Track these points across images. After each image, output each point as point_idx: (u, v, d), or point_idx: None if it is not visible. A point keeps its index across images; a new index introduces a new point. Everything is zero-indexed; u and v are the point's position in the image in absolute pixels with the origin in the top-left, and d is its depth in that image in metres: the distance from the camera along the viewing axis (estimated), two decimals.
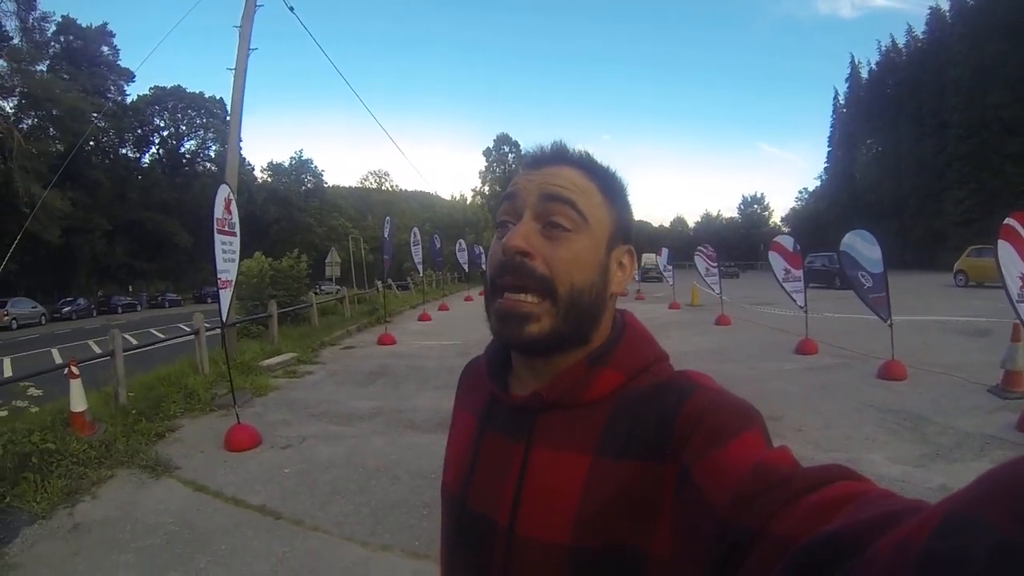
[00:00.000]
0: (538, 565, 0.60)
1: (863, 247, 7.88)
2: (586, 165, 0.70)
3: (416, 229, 19.20)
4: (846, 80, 63.24)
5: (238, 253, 6.54)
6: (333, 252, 24.46)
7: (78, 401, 5.55)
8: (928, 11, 51.58)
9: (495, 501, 0.66)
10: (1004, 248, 5.57)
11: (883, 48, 57.98)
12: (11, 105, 36.73)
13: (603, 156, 0.74)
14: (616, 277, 0.70)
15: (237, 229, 6.53)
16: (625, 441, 0.60)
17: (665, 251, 22.96)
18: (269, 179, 63.43)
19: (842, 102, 64.33)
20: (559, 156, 0.71)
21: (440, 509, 0.78)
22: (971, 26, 43.18)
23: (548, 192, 0.66)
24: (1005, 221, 5.59)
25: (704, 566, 0.46)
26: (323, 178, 67.58)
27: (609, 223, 0.69)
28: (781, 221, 78.86)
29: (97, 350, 8.47)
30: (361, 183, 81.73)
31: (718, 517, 0.46)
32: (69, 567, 3.53)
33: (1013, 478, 0.25)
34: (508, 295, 0.65)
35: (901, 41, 56.08)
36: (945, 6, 49.06)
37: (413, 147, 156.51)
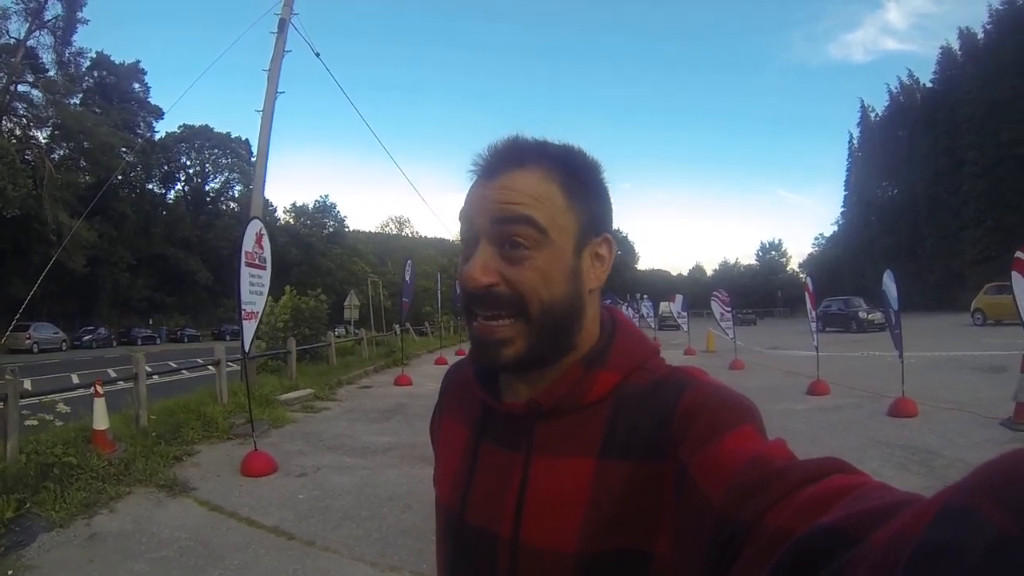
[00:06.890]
0: (545, 573, 0.59)
1: (889, 286, 8.13)
2: (545, 164, 0.64)
3: (439, 274, 19.21)
4: (858, 124, 63.12)
5: (267, 287, 6.71)
6: (352, 295, 24.65)
7: (100, 419, 5.72)
8: (939, 51, 51.73)
9: (496, 513, 0.64)
10: (1018, 280, 6.04)
11: (892, 91, 57.92)
12: (44, 135, 37.85)
13: (563, 137, 0.69)
14: (593, 272, 0.67)
15: (268, 263, 6.71)
16: (626, 441, 0.59)
17: (679, 298, 22.47)
18: (291, 221, 63.06)
19: (856, 146, 64.42)
20: (514, 159, 0.64)
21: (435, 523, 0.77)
22: (982, 64, 43.20)
23: (501, 215, 0.62)
24: (1016, 254, 6.07)
25: (703, 560, 0.46)
26: (345, 223, 67.13)
27: (574, 224, 0.64)
28: (799, 267, 77.83)
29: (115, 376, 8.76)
30: (382, 228, 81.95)
31: (715, 511, 0.46)
32: (83, 572, 3.66)
33: (1009, 470, 0.25)
34: (482, 320, 0.63)
35: (910, 83, 56.11)
36: (956, 46, 49.24)
37: (434, 193, 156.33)
